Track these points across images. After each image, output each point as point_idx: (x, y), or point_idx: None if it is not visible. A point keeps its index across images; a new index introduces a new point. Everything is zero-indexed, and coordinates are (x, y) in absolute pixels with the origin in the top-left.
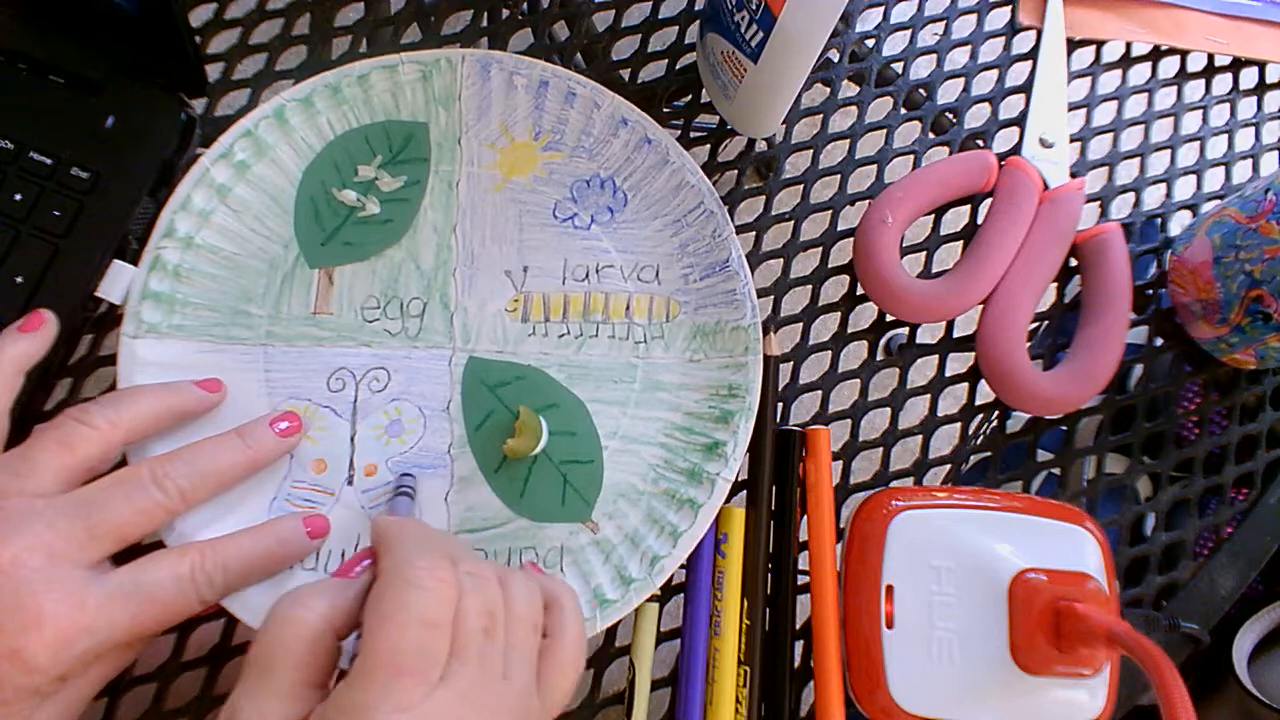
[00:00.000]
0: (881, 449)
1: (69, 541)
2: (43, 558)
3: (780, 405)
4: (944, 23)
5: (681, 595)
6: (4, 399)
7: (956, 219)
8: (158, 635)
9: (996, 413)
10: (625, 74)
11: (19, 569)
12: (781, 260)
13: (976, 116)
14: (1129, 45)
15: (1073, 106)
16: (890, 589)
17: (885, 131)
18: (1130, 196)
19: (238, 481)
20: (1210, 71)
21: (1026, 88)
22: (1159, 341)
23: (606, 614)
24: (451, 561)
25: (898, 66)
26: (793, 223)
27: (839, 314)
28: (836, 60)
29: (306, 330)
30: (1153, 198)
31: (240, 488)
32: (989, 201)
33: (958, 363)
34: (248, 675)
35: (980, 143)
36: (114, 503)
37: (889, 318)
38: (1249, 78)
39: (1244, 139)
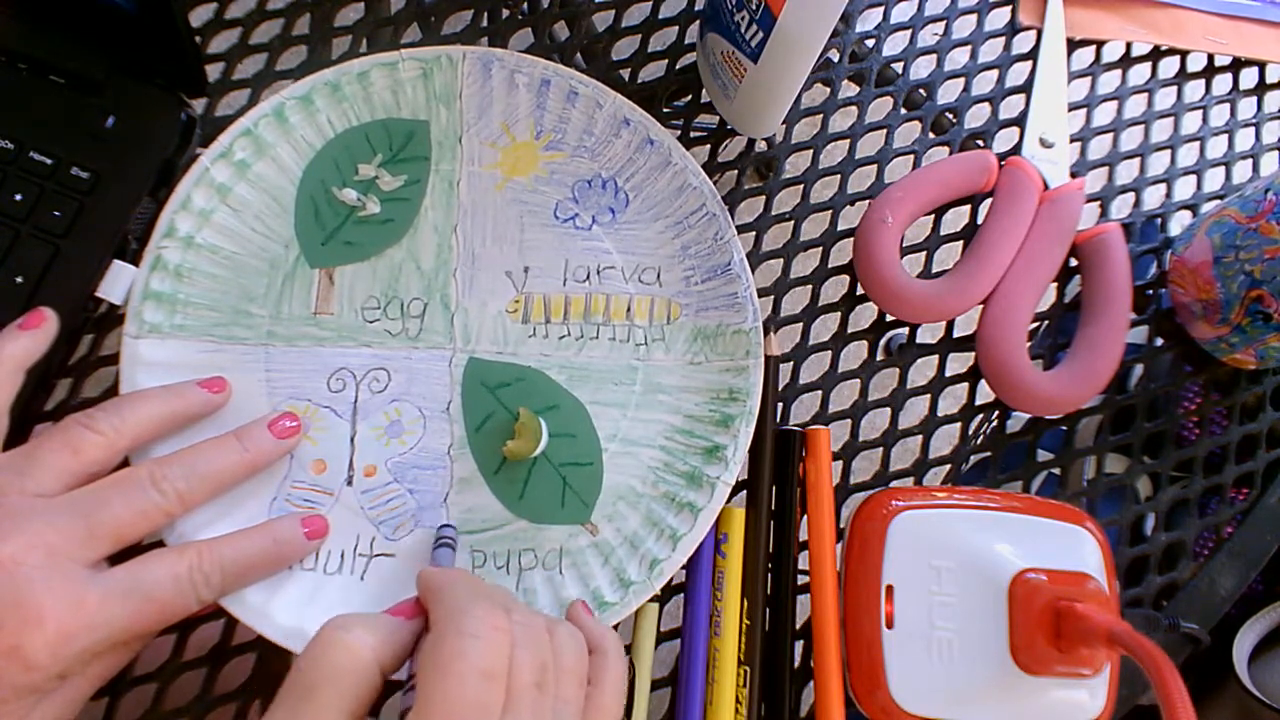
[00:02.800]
0: (881, 449)
1: (69, 540)
2: (43, 555)
3: (780, 405)
4: (944, 23)
5: (681, 595)
6: (4, 396)
7: (956, 219)
8: (156, 634)
9: (996, 413)
10: (625, 74)
11: (19, 566)
12: (781, 260)
13: (976, 116)
14: (1129, 45)
15: (1073, 106)
16: (890, 589)
17: (885, 131)
18: (1130, 196)
19: (236, 483)
20: (1210, 71)
21: (1026, 88)
22: (1159, 341)
23: (606, 616)
24: (505, 610)
25: (898, 66)
26: (793, 223)
27: (839, 314)
28: (836, 60)
29: (307, 330)
30: (1153, 198)
31: (240, 488)
32: (989, 201)
33: (958, 363)
34: (288, 694)
35: (980, 143)
36: (113, 503)
37: (889, 318)
38: (1249, 78)
39: (1244, 139)
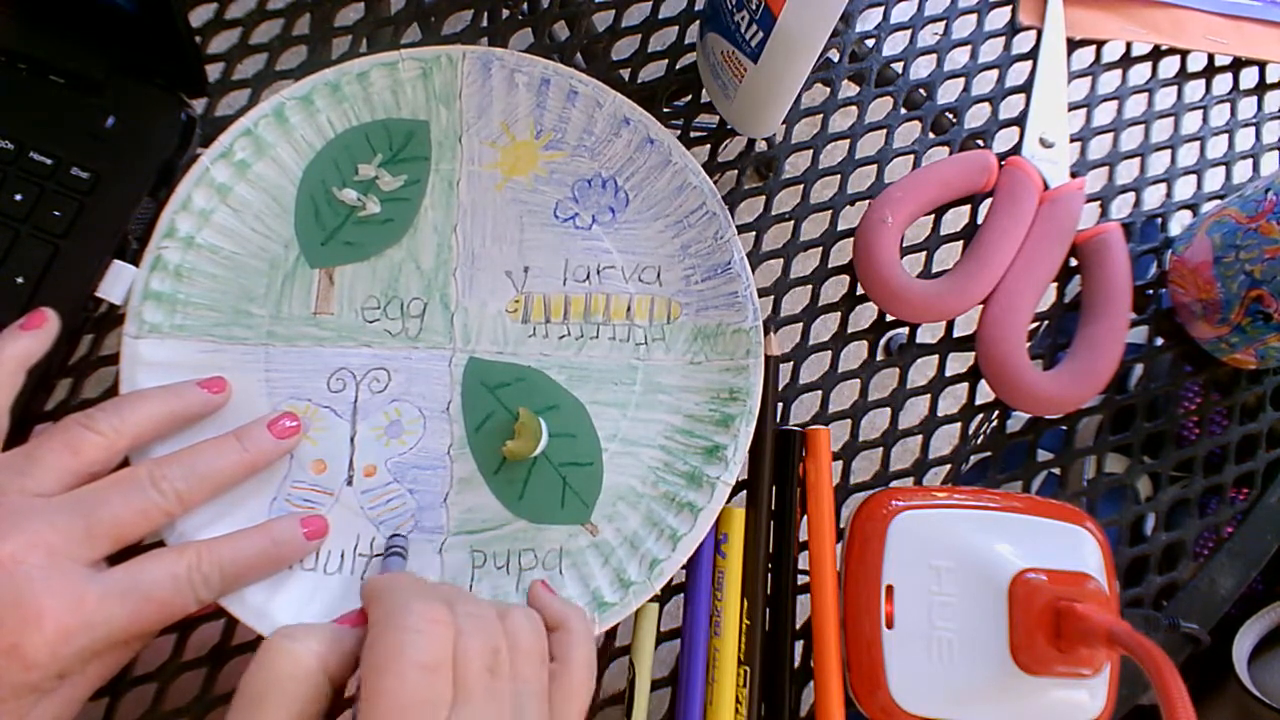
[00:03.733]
0: (881, 449)
1: (68, 539)
2: (42, 554)
3: (780, 405)
4: (944, 23)
5: (681, 595)
6: (5, 396)
7: (956, 219)
8: (155, 634)
9: (996, 413)
10: (625, 74)
11: (18, 565)
12: (781, 260)
13: (976, 116)
14: (1129, 45)
15: (1073, 106)
16: (890, 589)
17: (885, 131)
18: (1130, 196)
19: (236, 483)
20: (1210, 71)
21: (1026, 88)
22: (1159, 341)
23: (605, 617)
24: (446, 604)
25: (898, 66)
26: (793, 223)
27: (839, 314)
28: (836, 60)
29: (307, 330)
30: (1153, 198)
31: (241, 488)
32: (989, 201)
33: (958, 363)
34: (237, 704)
35: (980, 143)
36: (113, 503)
37: (889, 318)
38: (1249, 78)
39: (1244, 139)
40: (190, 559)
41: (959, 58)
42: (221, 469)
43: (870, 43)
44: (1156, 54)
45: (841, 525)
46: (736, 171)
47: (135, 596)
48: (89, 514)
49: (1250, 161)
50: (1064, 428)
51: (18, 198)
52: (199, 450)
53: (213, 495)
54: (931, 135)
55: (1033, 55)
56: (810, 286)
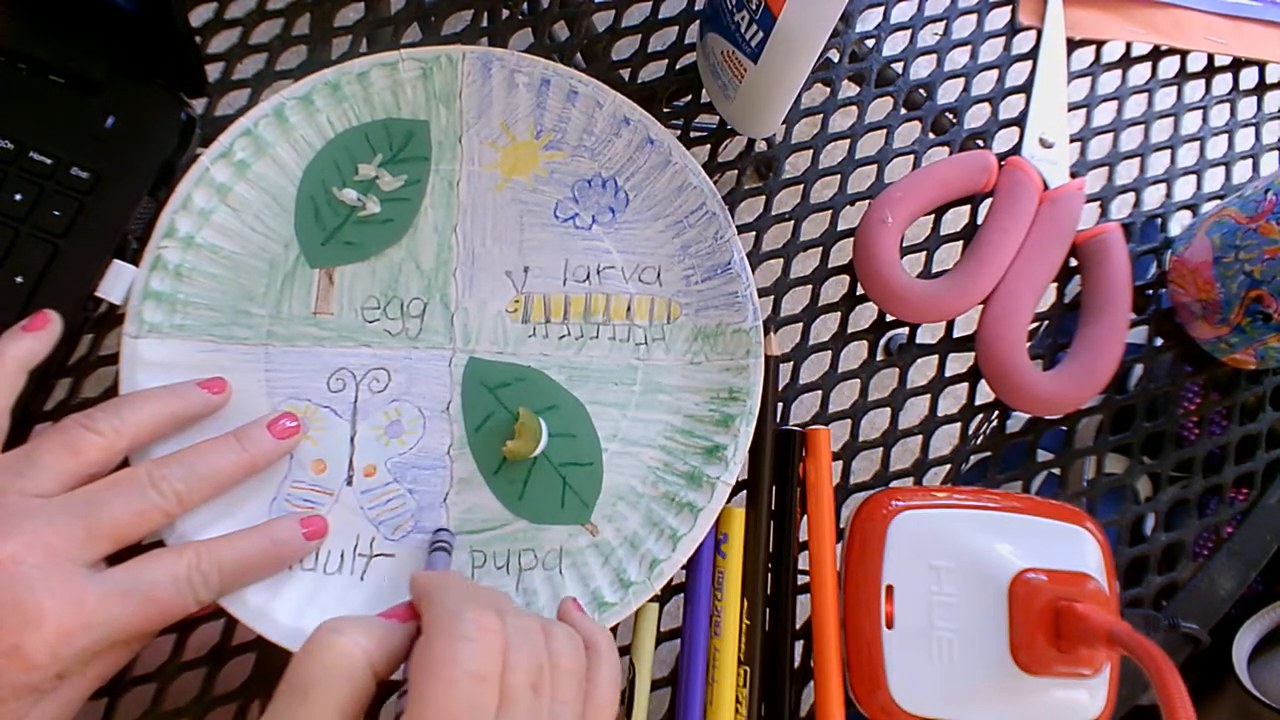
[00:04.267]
0: (881, 449)
1: (68, 540)
2: (42, 554)
3: (780, 405)
4: (944, 23)
5: (681, 595)
6: (6, 397)
7: (956, 219)
8: (155, 635)
9: (996, 413)
10: (625, 74)
11: (18, 566)
12: (781, 260)
13: (976, 116)
14: (1129, 45)
15: (1073, 106)
16: (890, 589)
17: (885, 131)
18: (1130, 196)
19: (235, 484)
20: (1210, 71)
21: (1026, 88)
22: (1159, 341)
23: (605, 617)
24: (498, 613)
25: (898, 66)
26: (793, 223)
27: (839, 314)
28: (836, 60)
29: (307, 330)
30: (1153, 198)
31: (241, 488)
32: (989, 201)
33: (958, 363)
34: (283, 695)
35: (980, 143)
36: (112, 504)
37: (889, 318)
38: (1249, 78)
39: (1244, 139)
40: (190, 559)
41: (959, 58)
42: (221, 469)
43: (870, 43)
44: (1156, 54)
45: (841, 525)
46: (736, 171)
47: (135, 597)
48: (88, 515)
49: (1250, 162)
50: (1064, 428)
51: (18, 198)
52: (198, 451)
53: (212, 495)
54: (931, 135)
55: (1033, 55)
56: (810, 286)
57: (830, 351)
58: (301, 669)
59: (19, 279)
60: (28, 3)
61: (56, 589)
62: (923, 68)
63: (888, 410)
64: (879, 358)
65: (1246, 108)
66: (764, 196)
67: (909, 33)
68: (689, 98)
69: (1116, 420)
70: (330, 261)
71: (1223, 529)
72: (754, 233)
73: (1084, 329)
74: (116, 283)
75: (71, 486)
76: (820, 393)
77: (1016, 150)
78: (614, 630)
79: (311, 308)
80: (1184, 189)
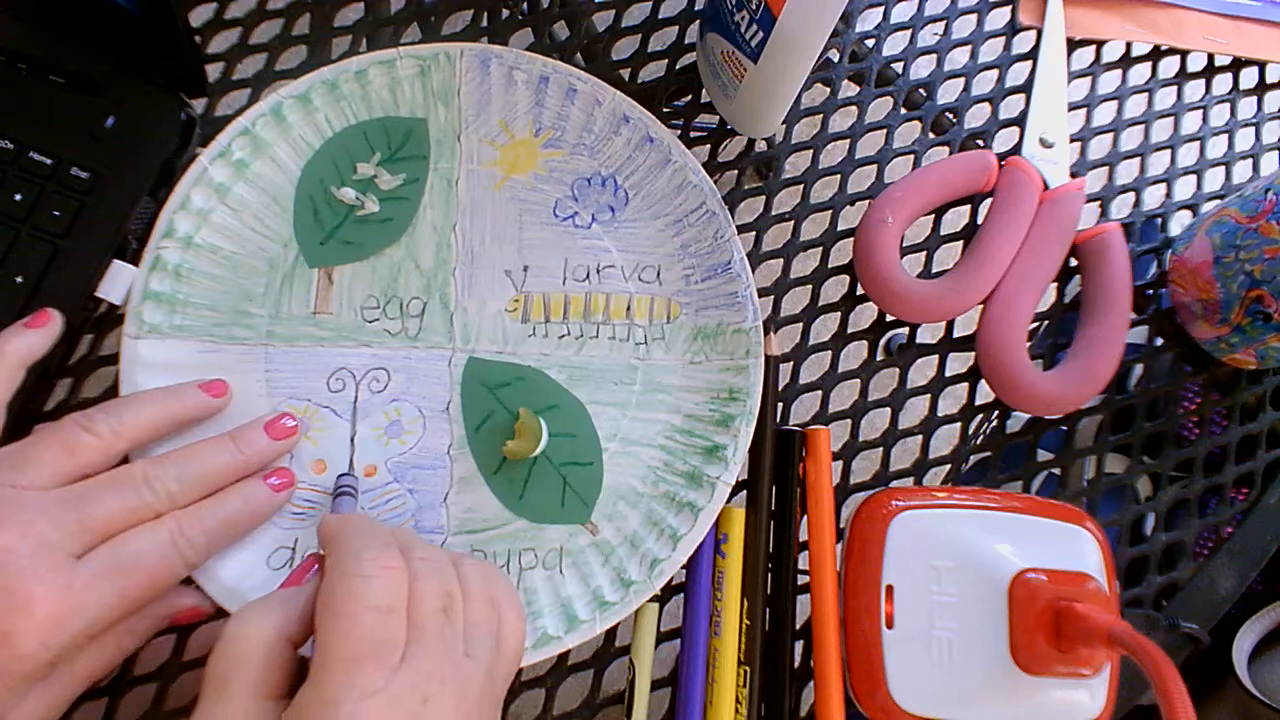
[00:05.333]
0: (881, 449)
1: (60, 531)
2: (32, 545)
3: (780, 405)
4: (944, 23)
5: (681, 595)
6: (4, 392)
7: (956, 219)
8: (151, 634)
9: (996, 413)
10: (625, 74)
11: (8, 554)
12: (781, 260)
13: (976, 116)
14: (1129, 45)
15: (1073, 106)
16: (890, 589)
17: (885, 131)
18: (1130, 196)
19: (229, 484)
20: (1210, 71)
21: (1026, 88)
22: (1159, 341)
23: (606, 616)
24: (400, 550)
25: (898, 66)
26: (793, 223)
27: (839, 314)
28: (836, 60)
29: (307, 330)
30: (1153, 198)
31: None
32: (989, 201)
33: (958, 363)
34: (204, 696)
35: (980, 143)
36: (106, 500)
37: (889, 318)
38: (1249, 78)
39: (1244, 139)
40: (170, 525)
41: (959, 58)
42: (215, 470)
43: (870, 43)
44: (1156, 54)
45: (841, 525)
46: (736, 171)
47: (122, 570)
48: (81, 509)
49: (1250, 161)
50: (1064, 428)
51: (18, 198)
52: (194, 451)
53: (204, 495)
54: (931, 135)
55: (1033, 55)
56: (810, 286)
57: (830, 351)
58: (217, 666)
59: (19, 279)
60: (28, 3)
61: (46, 577)
62: (923, 68)
63: (888, 410)
64: (879, 358)
65: (1246, 108)
66: (764, 196)
67: (909, 33)
68: (689, 97)
69: (1116, 420)
70: (329, 261)
71: (1223, 529)
72: (754, 233)
73: (1084, 329)
74: (116, 283)
75: (65, 484)
76: (820, 393)
77: (1017, 150)
78: (614, 630)
79: (311, 307)
80: (1184, 189)
